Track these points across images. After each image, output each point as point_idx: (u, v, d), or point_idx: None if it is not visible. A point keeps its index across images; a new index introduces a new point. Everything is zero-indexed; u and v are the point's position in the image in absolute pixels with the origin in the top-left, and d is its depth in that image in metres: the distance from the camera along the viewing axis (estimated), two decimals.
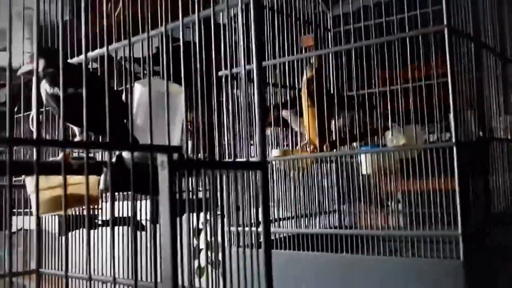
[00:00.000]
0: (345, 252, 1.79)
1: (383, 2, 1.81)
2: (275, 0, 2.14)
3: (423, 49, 1.66)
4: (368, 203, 1.88)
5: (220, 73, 1.81)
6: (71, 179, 1.20)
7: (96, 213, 1.89)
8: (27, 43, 1.78)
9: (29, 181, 1.48)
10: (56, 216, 1.99)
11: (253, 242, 1.11)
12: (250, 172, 1.14)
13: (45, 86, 1.19)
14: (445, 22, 1.55)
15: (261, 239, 1.09)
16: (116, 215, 1.61)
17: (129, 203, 1.23)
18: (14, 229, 2.62)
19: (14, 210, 1.91)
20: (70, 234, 1.87)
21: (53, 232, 2.02)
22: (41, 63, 1.19)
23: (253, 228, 1.12)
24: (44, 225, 1.95)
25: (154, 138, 1.00)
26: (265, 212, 1.08)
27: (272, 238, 2.01)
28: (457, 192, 1.52)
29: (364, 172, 2.02)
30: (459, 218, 1.51)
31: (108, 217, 1.29)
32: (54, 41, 1.66)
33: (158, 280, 0.96)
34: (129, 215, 1.14)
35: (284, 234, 2.04)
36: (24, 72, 1.33)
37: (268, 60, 2.03)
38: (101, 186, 1.15)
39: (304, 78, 1.94)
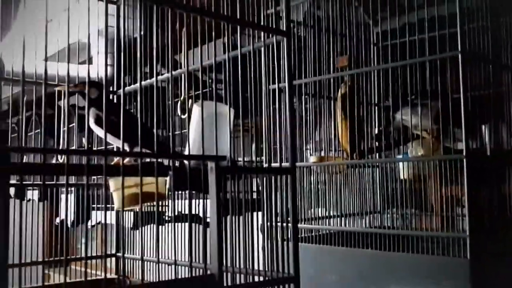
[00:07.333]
0: (374, 248, 1.98)
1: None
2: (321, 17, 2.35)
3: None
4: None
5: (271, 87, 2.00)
6: (145, 179, 1.28)
7: (164, 210, 2.21)
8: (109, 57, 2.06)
9: (112, 181, 1.61)
10: (131, 213, 2.30)
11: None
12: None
13: (96, 112, 1.45)
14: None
15: (290, 233, 1.35)
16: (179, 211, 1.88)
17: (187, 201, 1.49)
18: (94, 222, 3.02)
19: (93, 206, 2.26)
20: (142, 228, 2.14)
21: (128, 226, 2.34)
22: (94, 92, 1.46)
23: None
24: (120, 220, 2.26)
25: (209, 149, 1.27)
26: (294, 210, 1.34)
27: (313, 234, 2.24)
28: (466, 199, 1.68)
29: (402, 177, 2.17)
30: (467, 222, 1.67)
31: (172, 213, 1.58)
32: (131, 53, 1.77)
33: (208, 262, 1.25)
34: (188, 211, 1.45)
35: (326, 231, 2.23)
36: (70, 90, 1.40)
37: (309, 77, 2.26)
38: (168, 185, 1.39)
39: (339, 93, 2.17)
